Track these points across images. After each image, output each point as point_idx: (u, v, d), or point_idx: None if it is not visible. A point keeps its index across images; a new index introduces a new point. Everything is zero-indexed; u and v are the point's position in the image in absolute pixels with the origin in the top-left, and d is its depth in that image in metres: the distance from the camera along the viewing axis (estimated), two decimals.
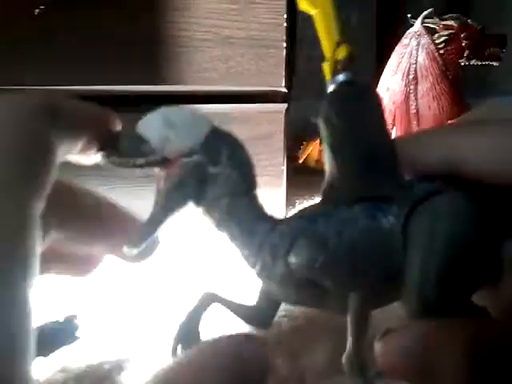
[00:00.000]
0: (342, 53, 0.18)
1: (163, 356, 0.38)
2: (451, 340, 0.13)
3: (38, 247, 0.15)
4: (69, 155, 0.18)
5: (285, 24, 0.67)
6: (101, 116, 0.19)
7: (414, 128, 0.82)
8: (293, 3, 0.74)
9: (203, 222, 0.19)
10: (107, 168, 0.19)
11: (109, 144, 0.19)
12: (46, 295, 0.19)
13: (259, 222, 0.18)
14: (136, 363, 0.41)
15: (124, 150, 0.19)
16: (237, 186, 0.18)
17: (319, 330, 0.42)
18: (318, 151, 0.91)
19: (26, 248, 0.14)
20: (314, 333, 0.42)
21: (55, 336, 0.19)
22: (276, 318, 0.19)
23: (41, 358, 0.18)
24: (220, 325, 0.22)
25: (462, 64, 0.80)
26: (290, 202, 0.81)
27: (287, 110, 0.73)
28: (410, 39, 0.81)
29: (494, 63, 0.80)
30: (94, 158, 0.19)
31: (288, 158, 0.77)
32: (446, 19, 0.80)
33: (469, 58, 0.79)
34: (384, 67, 0.85)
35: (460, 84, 0.81)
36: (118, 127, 0.20)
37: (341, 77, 0.18)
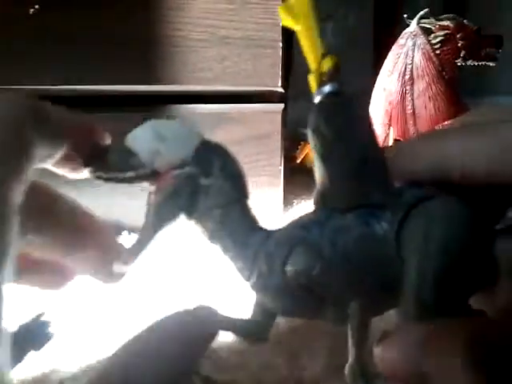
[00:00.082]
0: (327, 64, 0.18)
1: None
2: (451, 341, 0.13)
3: (15, 244, 0.15)
4: (53, 164, 0.18)
5: (281, 24, 0.67)
6: (87, 128, 0.19)
7: (411, 128, 0.82)
8: None
9: (195, 234, 0.19)
10: (97, 183, 0.19)
11: (96, 158, 0.19)
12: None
13: (253, 232, 0.18)
14: None
15: (112, 164, 0.18)
16: (229, 197, 0.18)
17: (318, 330, 0.42)
18: None
19: (3, 241, 0.14)
20: (313, 333, 0.42)
21: (23, 340, 0.18)
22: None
23: (15, 363, 0.17)
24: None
25: (458, 64, 0.80)
26: (287, 202, 0.81)
27: (284, 109, 0.73)
28: (406, 39, 0.81)
29: (490, 63, 0.80)
30: (81, 172, 0.19)
31: (285, 158, 0.77)
32: (441, 19, 0.80)
33: (465, 59, 0.79)
34: (381, 67, 0.86)
35: (456, 84, 0.81)
36: (106, 141, 0.20)
37: (327, 88, 0.18)
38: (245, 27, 0.68)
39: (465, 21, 0.80)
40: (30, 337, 0.18)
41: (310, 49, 0.19)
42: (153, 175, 0.18)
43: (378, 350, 0.14)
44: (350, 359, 0.16)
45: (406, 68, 0.81)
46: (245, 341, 0.19)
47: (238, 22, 0.67)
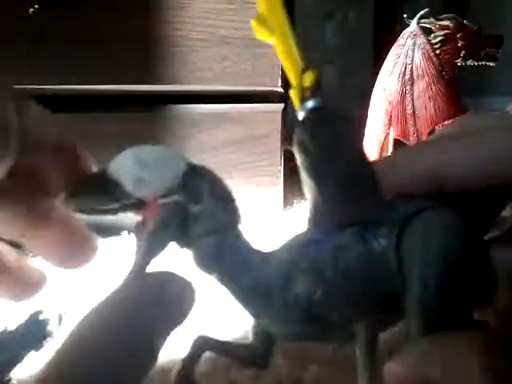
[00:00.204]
0: (308, 79, 0.18)
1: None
2: (459, 354, 0.13)
3: None
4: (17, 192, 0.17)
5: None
6: (73, 148, 0.18)
7: (411, 128, 0.82)
8: (289, 3, 0.74)
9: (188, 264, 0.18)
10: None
11: (76, 188, 0.17)
12: None
13: (249, 258, 0.17)
14: None
15: (93, 194, 0.17)
16: (222, 222, 0.17)
17: None
18: None
19: None
20: None
21: (22, 340, 0.18)
22: None
23: (15, 363, 0.17)
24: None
25: (458, 64, 0.80)
26: (287, 202, 0.81)
27: (284, 109, 0.73)
28: (406, 39, 0.81)
29: (490, 63, 0.80)
30: (55, 204, 0.18)
31: (285, 158, 0.77)
32: (441, 19, 0.80)
33: (465, 59, 0.79)
34: (381, 67, 0.86)
35: (456, 84, 0.81)
36: (90, 167, 0.18)
37: (310, 103, 0.18)
38: (245, 27, 0.68)
39: (465, 21, 0.80)
40: (30, 337, 0.18)
41: (288, 63, 0.18)
42: (138, 205, 0.17)
43: (386, 367, 0.14)
44: (360, 379, 0.16)
45: (405, 68, 0.81)
46: (244, 368, 0.18)
47: (238, 22, 0.67)
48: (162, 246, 0.17)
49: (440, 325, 0.15)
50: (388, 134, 0.84)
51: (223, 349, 0.18)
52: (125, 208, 0.17)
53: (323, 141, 0.17)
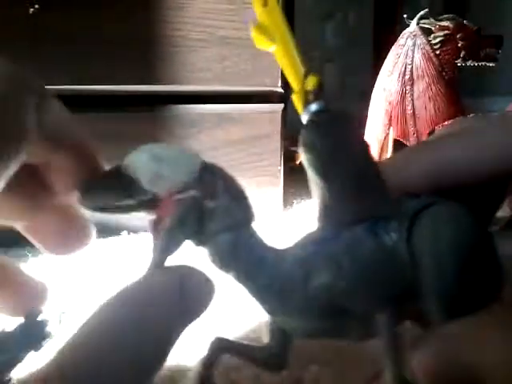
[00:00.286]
0: (311, 83, 0.18)
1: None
2: (487, 331, 0.13)
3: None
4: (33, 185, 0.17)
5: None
6: (88, 146, 0.18)
7: (411, 128, 0.82)
8: (289, 3, 0.74)
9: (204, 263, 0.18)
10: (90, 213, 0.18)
11: (90, 186, 0.17)
12: None
13: (265, 255, 0.18)
14: None
15: (108, 191, 0.17)
16: (237, 218, 0.17)
17: None
18: None
19: None
20: None
21: (22, 340, 0.18)
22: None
23: (15, 364, 0.17)
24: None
25: (458, 65, 0.80)
26: (287, 202, 0.81)
27: (284, 109, 0.73)
28: (406, 39, 0.81)
29: (490, 64, 0.80)
30: (68, 199, 0.17)
31: (285, 158, 0.77)
32: (441, 20, 0.80)
33: (465, 59, 0.79)
34: (381, 67, 0.86)
35: (456, 85, 0.81)
36: (102, 166, 0.18)
37: (314, 106, 0.18)
38: (244, 27, 0.68)
39: (465, 21, 0.80)
40: (28, 338, 0.18)
41: (290, 69, 0.19)
42: (153, 202, 0.17)
43: (415, 358, 0.14)
44: (387, 373, 0.16)
45: (405, 68, 0.81)
46: (262, 370, 0.19)
47: (238, 23, 0.67)
48: (179, 243, 0.17)
49: (459, 311, 0.15)
50: (388, 134, 0.84)
51: (240, 350, 0.19)
52: (140, 205, 0.17)
53: (331, 141, 0.17)
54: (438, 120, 0.80)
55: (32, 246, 0.19)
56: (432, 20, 0.80)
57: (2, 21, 0.58)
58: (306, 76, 0.18)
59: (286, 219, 0.77)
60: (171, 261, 0.17)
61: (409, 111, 0.82)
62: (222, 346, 0.18)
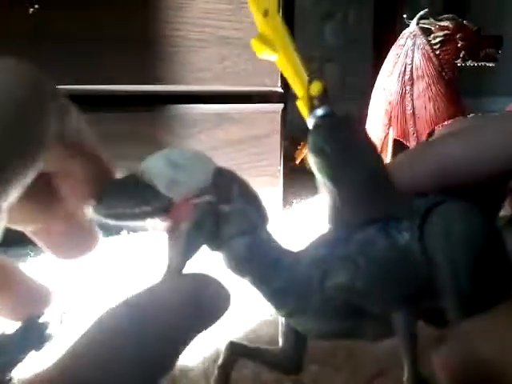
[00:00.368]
0: (315, 88, 0.18)
1: None
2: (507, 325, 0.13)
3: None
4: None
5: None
6: (100, 153, 0.17)
7: (411, 128, 0.82)
8: (289, 3, 0.74)
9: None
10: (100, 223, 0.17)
11: (105, 193, 0.17)
12: None
13: (280, 257, 0.18)
14: None
15: (124, 198, 0.17)
16: (253, 222, 0.17)
17: None
18: None
19: None
20: None
21: (22, 341, 0.17)
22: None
23: (16, 363, 0.17)
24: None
25: (458, 65, 0.80)
26: (286, 202, 0.81)
27: (284, 110, 0.73)
28: (406, 39, 0.81)
29: (490, 64, 0.80)
30: (82, 209, 0.17)
31: (285, 158, 0.77)
32: (441, 20, 0.80)
33: (465, 59, 0.79)
34: (381, 67, 0.86)
35: (456, 85, 0.81)
36: (114, 175, 0.18)
37: (320, 111, 0.18)
38: (244, 27, 0.68)
39: (465, 21, 0.80)
40: (28, 340, 0.18)
41: (293, 76, 0.19)
42: (168, 208, 0.17)
43: (437, 356, 0.14)
44: (407, 372, 0.16)
45: (405, 68, 0.81)
46: (278, 373, 0.19)
47: (238, 23, 0.67)
48: (198, 247, 0.17)
49: (475, 308, 0.15)
50: (388, 134, 0.84)
51: (254, 354, 0.19)
52: (155, 211, 0.17)
53: (340, 144, 0.17)
54: (437, 120, 0.80)
55: (32, 245, 0.19)
56: (432, 20, 0.80)
57: (1, 21, 0.58)
58: (310, 82, 0.19)
59: (285, 219, 0.77)
60: (188, 267, 0.17)
61: (409, 111, 0.82)
62: (236, 350, 0.18)
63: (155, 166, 0.17)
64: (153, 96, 0.68)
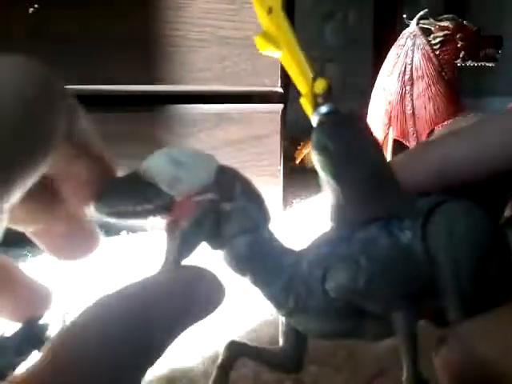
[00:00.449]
0: (320, 86, 0.18)
1: None
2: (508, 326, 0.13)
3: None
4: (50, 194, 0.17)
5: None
6: (104, 152, 0.17)
7: (410, 128, 0.82)
8: (289, 3, 0.74)
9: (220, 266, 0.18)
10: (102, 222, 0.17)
11: (107, 191, 0.17)
12: None
13: (282, 256, 0.18)
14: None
15: (125, 196, 0.17)
16: (254, 221, 0.17)
17: None
18: None
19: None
20: None
21: (23, 341, 0.17)
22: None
23: (16, 364, 0.17)
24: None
25: (458, 65, 0.80)
26: (286, 202, 0.81)
27: (284, 110, 0.73)
28: (406, 39, 0.81)
29: (490, 64, 0.80)
30: (84, 209, 0.17)
31: (285, 158, 0.77)
32: (441, 20, 0.80)
33: (464, 59, 0.79)
34: (381, 67, 0.86)
35: (456, 85, 0.81)
36: (115, 173, 0.18)
37: (324, 108, 0.18)
38: (245, 27, 0.68)
39: (464, 21, 0.80)
40: (28, 342, 0.18)
41: (298, 73, 0.19)
42: (169, 205, 0.17)
43: (438, 357, 0.14)
44: (406, 372, 0.16)
45: (405, 68, 0.81)
46: (278, 372, 0.19)
47: (238, 22, 0.67)
48: (196, 245, 0.17)
49: (477, 308, 0.15)
50: (388, 133, 0.84)
51: (255, 354, 0.19)
52: (157, 209, 0.17)
53: (344, 142, 0.17)
54: (437, 120, 0.80)
55: (32, 245, 0.19)
56: (432, 20, 0.80)
57: (1, 20, 0.58)
58: (314, 79, 0.18)
59: (285, 219, 0.77)
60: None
61: (408, 111, 0.82)
62: (237, 350, 0.18)
63: (157, 164, 0.17)
64: (153, 96, 0.68)
